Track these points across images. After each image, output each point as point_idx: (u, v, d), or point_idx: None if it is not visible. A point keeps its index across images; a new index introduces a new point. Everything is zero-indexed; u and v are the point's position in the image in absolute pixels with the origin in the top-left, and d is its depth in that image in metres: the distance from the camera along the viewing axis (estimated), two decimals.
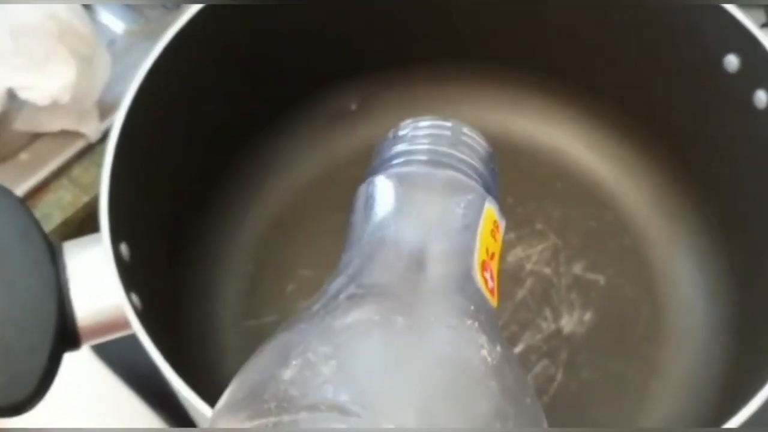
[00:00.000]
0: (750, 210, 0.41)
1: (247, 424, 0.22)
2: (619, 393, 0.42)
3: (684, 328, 0.43)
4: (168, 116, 0.39)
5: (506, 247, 0.43)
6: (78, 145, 0.50)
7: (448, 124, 0.31)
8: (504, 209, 0.30)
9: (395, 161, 0.30)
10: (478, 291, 0.27)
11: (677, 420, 0.41)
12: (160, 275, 0.38)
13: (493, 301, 0.28)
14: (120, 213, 0.34)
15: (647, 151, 0.46)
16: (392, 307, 0.25)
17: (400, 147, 0.30)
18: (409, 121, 0.31)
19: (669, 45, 0.42)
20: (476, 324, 0.25)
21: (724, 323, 0.42)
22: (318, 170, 0.47)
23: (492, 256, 0.29)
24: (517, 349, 0.42)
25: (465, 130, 0.31)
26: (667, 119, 0.44)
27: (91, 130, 0.49)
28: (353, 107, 0.48)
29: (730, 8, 0.38)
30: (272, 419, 0.21)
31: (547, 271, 0.45)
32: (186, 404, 0.33)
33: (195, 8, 0.39)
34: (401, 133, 0.31)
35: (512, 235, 0.45)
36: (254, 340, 0.42)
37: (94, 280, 0.33)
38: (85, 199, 0.49)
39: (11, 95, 0.46)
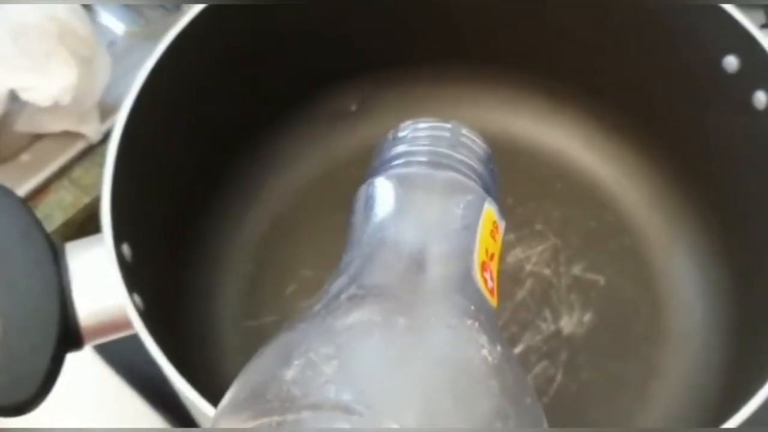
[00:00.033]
0: (750, 210, 0.41)
1: (250, 424, 0.22)
2: (618, 393, 0.42)
3: (684, 328, 0.43)
4: (169, 116, 0.39)
5: (506, 247, 0.43)
6: (79, 146, 0.50)
7: (448, 125, 0.31)
8: (504, 210, 0.30)
9: (395, 162, 0.30)
10: (478, 291, 0.27)
11: (677, 420, 0.41)
12: (162, 275, 0.38)
13: (493, 302, 0.28)
14: (122, 213, 0.34)
15: (647, 151, 0.46)
16: (393, 308, 0.25)
17: (400, 148, 0.30)
18: (408, 122, 0.31)
19: (669, 45, 0.42)
20: (476, 324, 0.25)
21: (724, 323, 0.42)
22: (318, 170, 0.47)
23: (492, 257, 0.29)
24: (517, 350, 0.42)
25: (464, 131, 0.31)
26: (666, 119, 0.44)
27: (91, 131, 0.49)
28: (353, 107, 0.48)
29: (730, 9, 0.38)
30: (275, 418, 0.21)
31: (547, 271, 0.45)
32: (188, 404, 0.33)
33: (196, 9, 0.39)
34: (401, 134, 0.31)
35: (512, 236, 0.45)
36: (254, 340, 0.42)
37: (97, 281, 0.33)
38: (86, 200, 0.49)
39: (13, 96, 0.46)
